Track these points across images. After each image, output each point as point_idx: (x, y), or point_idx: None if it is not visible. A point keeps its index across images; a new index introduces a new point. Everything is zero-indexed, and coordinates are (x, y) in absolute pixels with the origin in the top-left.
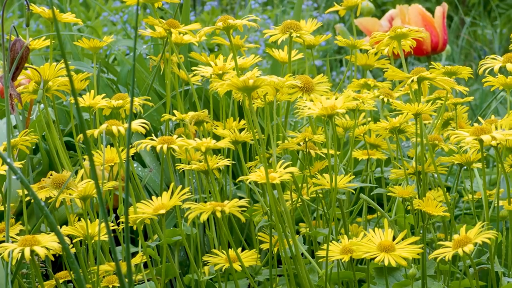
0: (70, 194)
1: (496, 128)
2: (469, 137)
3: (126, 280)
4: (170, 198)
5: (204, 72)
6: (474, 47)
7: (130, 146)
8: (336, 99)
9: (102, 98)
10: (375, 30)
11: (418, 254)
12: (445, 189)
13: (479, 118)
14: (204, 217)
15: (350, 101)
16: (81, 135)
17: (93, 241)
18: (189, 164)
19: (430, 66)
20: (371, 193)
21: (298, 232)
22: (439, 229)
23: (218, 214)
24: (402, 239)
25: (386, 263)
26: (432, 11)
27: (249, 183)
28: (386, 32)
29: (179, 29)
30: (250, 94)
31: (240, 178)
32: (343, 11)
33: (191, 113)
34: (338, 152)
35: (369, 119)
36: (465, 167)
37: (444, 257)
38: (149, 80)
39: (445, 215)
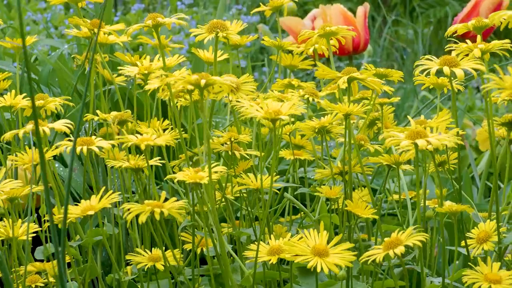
0: None
1: (432, 131)
2: (405, 141)
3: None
4: (99, 200)
5: (130, 71)
6: (395, 47)
7: (56, 147)
8: (281, 104)
9: (23, 98)
10: (298, 29)
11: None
12: (371, 189)
13: (409, 118)
14: (143, 218)
15: (294, 108)
16: (5, 135)
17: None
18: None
19: (362, 67)
20: (295, 193)
21: None
22: (363, 230)
23: (157, 216)
24: (336, 244)
25: (318, 270)
26: (353, 11)
27: (173, 182)
28: (313, 31)
29: (104, 29)
30: (202, 91)
31: (168, 176)
32: (269, 11)
33: (114, 113)
34: (261, 153)
35: (293, 119)
36: (392, 168)
37: (375, 259)
38: (71, 80)
39: (373, 217)
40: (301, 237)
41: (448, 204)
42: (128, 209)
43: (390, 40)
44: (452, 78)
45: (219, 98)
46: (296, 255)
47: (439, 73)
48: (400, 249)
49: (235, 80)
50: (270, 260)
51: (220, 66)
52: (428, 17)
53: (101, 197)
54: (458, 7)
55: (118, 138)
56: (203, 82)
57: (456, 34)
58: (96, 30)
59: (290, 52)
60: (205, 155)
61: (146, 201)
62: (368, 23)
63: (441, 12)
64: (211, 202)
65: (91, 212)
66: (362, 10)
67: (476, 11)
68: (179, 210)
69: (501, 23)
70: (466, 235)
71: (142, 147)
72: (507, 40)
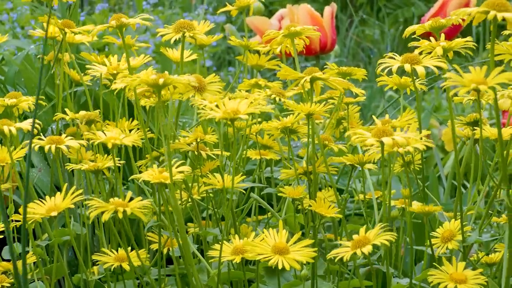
0: None
1: (396, 130)
2: (371, 139)
3: None
4: (63, 199)
5: (99, 71)
6: (361, 47)
7: (21, 147)
8: (238, 102)
9: None
10: (265, 29)
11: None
12: (336, 189)
13: (374, 118)
14: (106, 217)
15: (253, 106)
16: None
17: None
18: (80, 163)
19: (324, 66)
20: (261, 193)
21: (187, 232)
22: (330, 229)
23: (120, 215)
24: (296, 241)
25: (279, 267)
26: (320, 11)
27: (140, 182)
28: (278, 31)
29: (74, 29)
30: (160, 91)
31: (132, 176)
32: (235, 11)
33: (82, 112)
34: (228, 153)
35: (259, 119)
36: (358, 168)
37: (343, 257)
38: (38, 80)
39: (337, 216)
40: (263, 238)
41: (420, 205)
42: (92, 205)
43: (357, 40)
44: (414, 77)
45: (185, 98)
46: (258, 254)
47: (403, 72)
48: (367, 248)
49: (193, 79)
50: (234, 259)
51: (187, 66)
52: (396, 17)
53: (65, 195)
54: (424, 8)
55: (87, 134)
56: (161, 81)
57: (415, 35)
58: (66, 30)
59: (257, 52)
60: (166, 155)
61: (110, 200)
62: (335, 23)
63: (409, 13)
64: (175, 202)
65: (54, 213)
66: (329, 10)
67: (443, 12)
68: (142, 210)
69: (469, 20)
70: (431, 234)
71: (109, 145)
72: (470, 38)
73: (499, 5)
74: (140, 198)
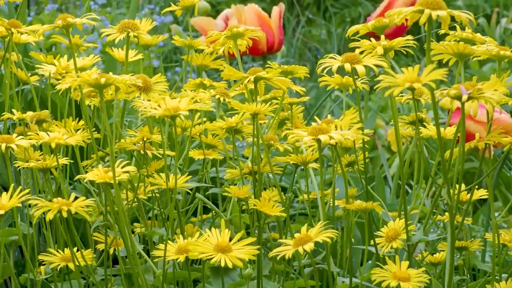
0: None
1: (336, 128)
2: (307, 137)
3: None
4: (10, 198)
5: (47, 70)
6: (308, 47)
7: None
8: (179, 100)
9: None
10: (210, 29)
11: (254, 255)
12: (280, 189)
13: (316, 117)
14: (50, 216)
15: (193, 103)
16: None
17: None
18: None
19: (266, 66)
20: (206, 193)
21: (133, 232)
22: (275, 229)
23: (64, 214)
24: (239, 240)
25: (222, 264)
26: (267, 11)
27: (86, 182)
28: (222, 32)
29: (21, 29)
30: (102, 91)
31: (78, 176)
32: (180, 11)
33: (30, 113)
34: (174, 153)
35: (205, 119)
36: (302, 167)
37: (285, 255)
38: None
39: (281, 215)
40: (206, 238)
41: (358, 202)
42: (36, 205)
43: (303, 40)
44: (357, 76)
45: (130, 98)
46: (201, 253)
47: (348, 73)
48: (309, 246)
49: (134, 78)
50: (178, 259)
51: (132, 66)
52: (343, 16)
53: (12, 195)
54: (371, 8)
55: (31, 135)
56: (103, 80)
57: (358, 35)
58: (13, 29)
59: (202, 51)
60: (110, 155)
61: (54, 199)
62: (282, 23)
63: (356, 12)
64: (120, 202)
65: (1, 212)
66: (277, 10)
67: None
68: (87, 209)
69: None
70: (376, 233)
71: (53, 145)
72: (410, 37)
73: (433, 3)
74: (83, 198)
